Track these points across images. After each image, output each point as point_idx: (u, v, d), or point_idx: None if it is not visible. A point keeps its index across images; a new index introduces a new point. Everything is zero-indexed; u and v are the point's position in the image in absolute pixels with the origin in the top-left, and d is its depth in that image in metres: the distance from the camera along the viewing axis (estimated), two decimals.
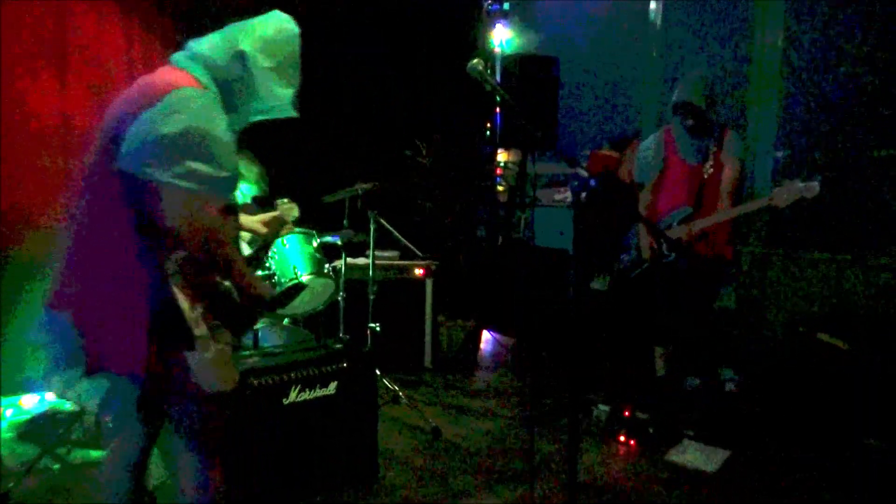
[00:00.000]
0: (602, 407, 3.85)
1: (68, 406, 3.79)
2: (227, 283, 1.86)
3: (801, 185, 3.19)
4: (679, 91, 3.62)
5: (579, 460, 3.22)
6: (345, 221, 3.77)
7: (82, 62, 3.98)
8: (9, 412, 3.67)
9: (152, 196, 1.70)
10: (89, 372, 1.81)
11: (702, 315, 3.81)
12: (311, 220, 3.68)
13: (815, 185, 3.17)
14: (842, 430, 3.31)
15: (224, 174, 1.75)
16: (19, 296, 3.77)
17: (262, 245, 2.96)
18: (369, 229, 3.80)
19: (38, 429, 3.48)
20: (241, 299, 1.88)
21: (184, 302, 1.73)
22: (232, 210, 1.96)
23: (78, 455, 3.16)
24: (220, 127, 1.78)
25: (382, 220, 3.89)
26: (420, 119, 5.56)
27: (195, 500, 1.93)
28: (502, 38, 6.16)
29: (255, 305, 1.94)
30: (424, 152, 5.53)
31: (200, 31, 2.00)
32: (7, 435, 3.41)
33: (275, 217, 2.89)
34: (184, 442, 1.91)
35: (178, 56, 1.92)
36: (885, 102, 4.12)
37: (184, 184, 1.67)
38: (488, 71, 2.15)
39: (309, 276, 3.38)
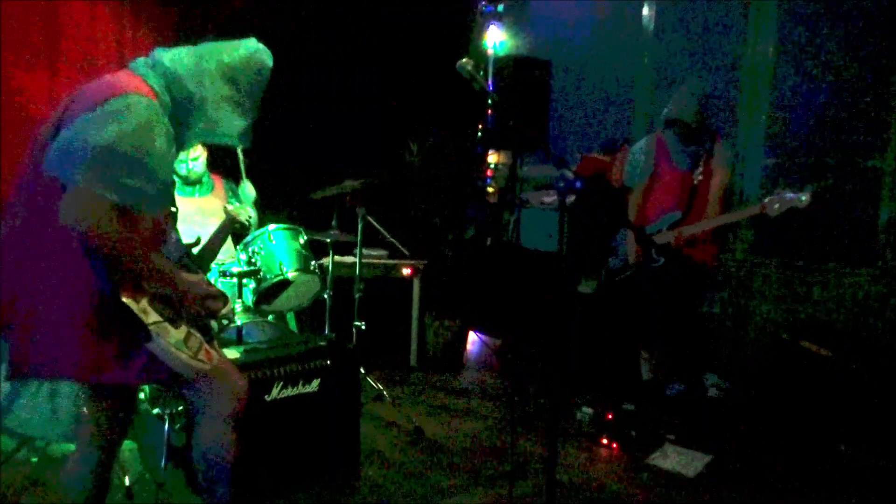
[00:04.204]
0: (585, 409, 3.86)
1: None
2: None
3: (792, 194, 3.22)
4: (671, 107, 3.62)
5: (560, 462, 3.21)
6: (333, 222, 3.76)
7: (73, 55, 3.95)
8: None
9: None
10: (13, 376, 1.77)
11: (687, 320, 3.83)
12: (298, 217, 3.67)
13: (806, 196, 3.20)
14: (820, 437, 3.33)
15: (149, 187, 1.70)
16: None
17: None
18: (357, 227, 3.79)
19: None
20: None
21: (125, 296, 1.72)
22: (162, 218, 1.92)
23: (56, 448, 3.13)
24: (156, 139, 1.72)
25: (370, 219, 3.88)
26: (412, 118, 5.55)
27: (215, 464, 1.99)
28: (496, 39, 6.15)
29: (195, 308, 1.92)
30: (415, 151, 5.52)
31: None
32: None
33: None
34: (200, 416, 1.98)
35: (138, 62, 1.89)
36: (873, 114, 4.16)
37: (106, 194, 1.63)
38: (480, 72, 2.15)
39: (294, 273, 3.37)
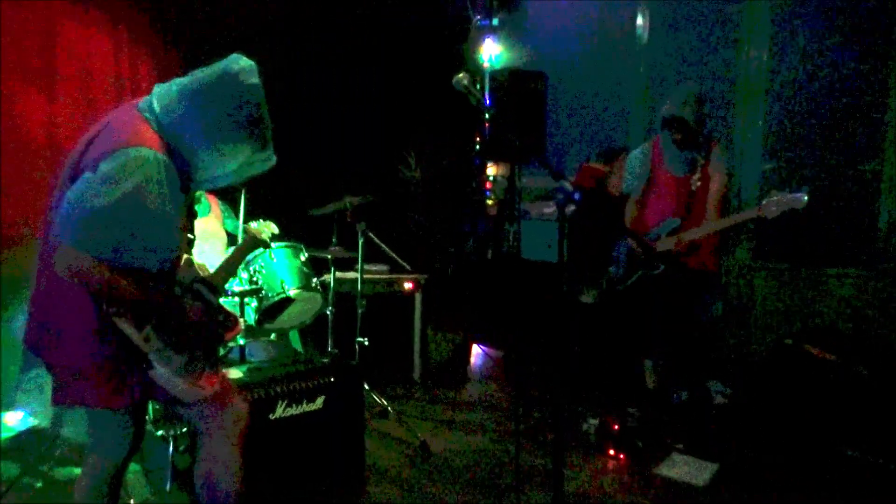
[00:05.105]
0: (591, 420, 3.83)
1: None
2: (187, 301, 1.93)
3: (789, 196, 3.23)
4: (669, 106, 3.63)
5: (568, 474, 3.20)
6: (334, 238, 3.76)
7: (70, 76, 3.97)
8: None
9: None
10: (56, 402, 1.86)
11: (690, 327, 3.82)
12: (299, 234, 3.67)
13: (802, 197, 3.21)
14: (826, 441, 3.32)
15: (147, 243, 1.74)
16: (2, 313, 3.72)
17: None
18: (358, 243, 3.79)
19: (20, 446, 3.43)
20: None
21: (127, 328, 1.76)
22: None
23: (60, 472, 3.12)
24: (154, 196, 1.71)
25: (371, 234, 3.88)
26: (410, 132, 5.57)
27: (218, 490, 2.00)
28: (492, 52, 6.19)
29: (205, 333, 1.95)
30: (414, 165, 5.54)
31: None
32: None
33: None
34: (202, 440, 2.01)
35: (145, 102, 1.83)
36: (870, 118, 4.17)
37: (94, 254, 1.67)
38: (477, 85, 2.16)
39: (296, 291, 3.37)
